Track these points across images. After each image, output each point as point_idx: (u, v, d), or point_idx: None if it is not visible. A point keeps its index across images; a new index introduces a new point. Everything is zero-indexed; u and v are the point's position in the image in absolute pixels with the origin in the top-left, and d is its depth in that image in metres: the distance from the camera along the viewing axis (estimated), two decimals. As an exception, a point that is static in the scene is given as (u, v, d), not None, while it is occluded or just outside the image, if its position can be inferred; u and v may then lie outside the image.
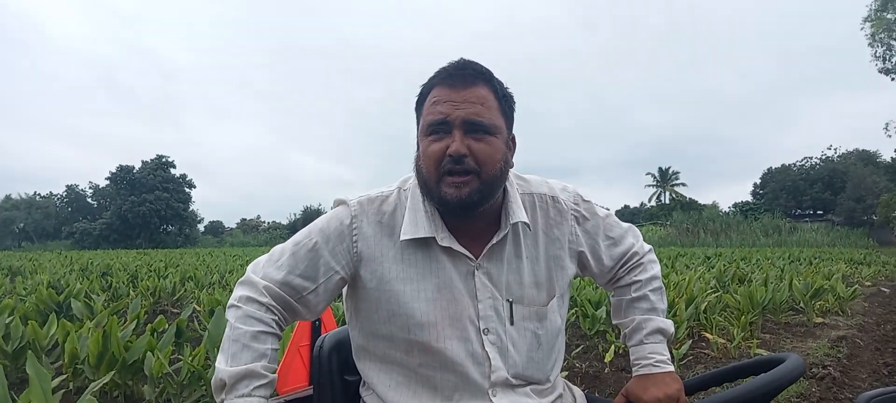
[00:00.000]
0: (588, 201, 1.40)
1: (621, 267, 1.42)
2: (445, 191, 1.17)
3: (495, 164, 1.19)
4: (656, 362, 1.32)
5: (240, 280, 1.26)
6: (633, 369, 1.36)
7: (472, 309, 1.23)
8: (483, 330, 1.23)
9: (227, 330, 1.19)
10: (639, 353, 1.36)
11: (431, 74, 1.24)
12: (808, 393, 4.02)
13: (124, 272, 12.96)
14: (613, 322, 1.49)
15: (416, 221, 1.24)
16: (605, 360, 4.83)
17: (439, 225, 1.23)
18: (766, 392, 0.98)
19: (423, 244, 1.24)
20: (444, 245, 1.23)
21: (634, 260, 1.43)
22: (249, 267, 1.27)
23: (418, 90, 1.26)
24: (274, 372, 1.18)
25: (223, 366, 1.14)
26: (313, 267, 1.24)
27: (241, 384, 1.12)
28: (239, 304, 1.21)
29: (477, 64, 1.21)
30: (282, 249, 1.27)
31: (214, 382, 1.15)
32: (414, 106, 1.28)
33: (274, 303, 1.21)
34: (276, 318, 1.21)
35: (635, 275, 1.42)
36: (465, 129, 1.16)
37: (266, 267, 1.25)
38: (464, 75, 1.19)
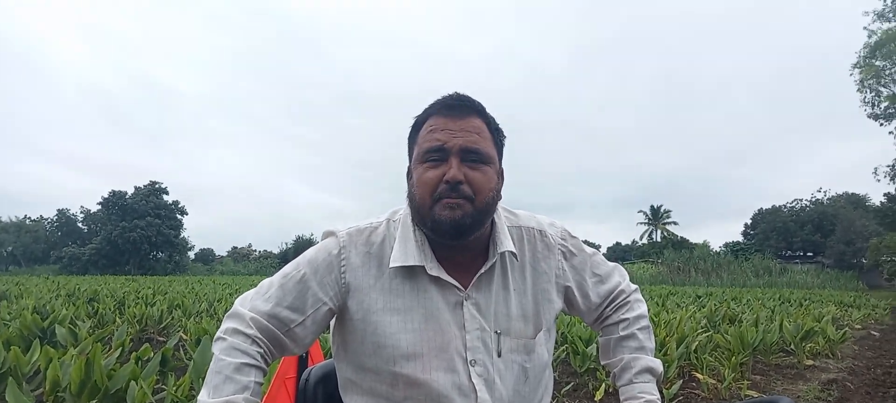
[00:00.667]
0: (575, 237, 1.42)
1: (608, 304, 1.42)
2: (440, 213, 1.18)
3: (489, 192, 1.21)
4: (647, 402, 1.31)
5: (228, 313, 1.25)
6: None
7: (459, 339, 1.23)
8: (470, 362, 1.22)
9: (211, 362, 1.18)
10: (629, 393, 1.34)
11: (426, 107, 1.26)
12: (799, 437, 3.99)
13: (111, 298, 12.79)
14: (602, 362, 1.46)
15: (406, 250, 1.24)
16: (596, 399, 4.79)
17: (429, 255, 1.24)
18: None
19: (411, 274, 1.24)
20: (432, 274, 1.23)
21: (621, 298, 1.43)
22: (237, 301, 1.27)
23: (411, 122, 1.28)
24: None
25: (205, 398, 1.13)
26: (301, 298, 1.23)
27: None
28: (225, 336, 1.20)
29: (471, 97, 1.25)
30: (270, 282, 1.27)
31: None
32: (407, 136, 1.30)
33: (260, 336, 1.20)
34: (262, 351, 1.20)
35: (623, 313, 1.42)
36: (461, 157, 1.19)
37: (253, 300, 1.25)
38: (461, 106, 1.22)
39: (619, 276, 1.45)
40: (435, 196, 1.18)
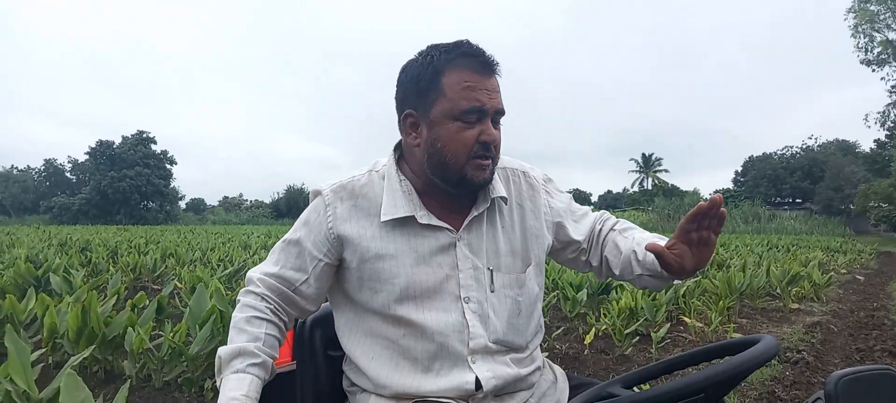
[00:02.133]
0: (552, 180, 1.49)
1: (598, 225, 1.46)
2: (473, 173, 1.22)
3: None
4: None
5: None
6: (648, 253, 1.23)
7: (453, 279, 1.27)
8: (464, 299, 1.27)
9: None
10: (656, 241, 1.25)
11: (441, 52, 1.21)
12: (782, 377, 4.11)
13: (104, 248, 12.81)
14: (616, 274, 1.39)
15: (395, 202, 1.28)
16: (585, 342, 4.89)
17: (417, 204, 1.28)
18: (740, 372, 0.99)
19: (402, 222, 1.28)
20: (423, 222, 1.27)
21: (605, 216, 1.49)
22: (249, 271, 1.36)
23: (427, 63, 1.22)
24: (269, 356, 1.23)
25: (221, 349, 1.21)
26: (301, 259, 1.31)
27: (235, 360, 1.19)
28: (239, 299, 1.31)
29: (490, 54, 1.26)
30: (275, 248, 1.36)
31: (216, 365, 1.21)
32: (415, 78, 1.23)
33: (268, 293, 1.29)
34: (271, 307, 1.29)
35: (611, 223, 1.46)
36: (493, 118, 1.24)
37: (262, 266, 1.36)
38: (490, 62, 1.23)
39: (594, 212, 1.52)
40: (470, 154, 1.22)
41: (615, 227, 1.44)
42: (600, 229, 1.45)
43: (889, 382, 0.86)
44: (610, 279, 1.48)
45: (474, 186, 1.24)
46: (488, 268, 1.30)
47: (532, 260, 1.37)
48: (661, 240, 1.25)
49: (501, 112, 1.24)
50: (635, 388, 1.18)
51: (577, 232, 1.44)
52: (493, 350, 1.28)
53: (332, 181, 1.35)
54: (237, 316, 1.27)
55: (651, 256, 1.23)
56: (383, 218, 1.26)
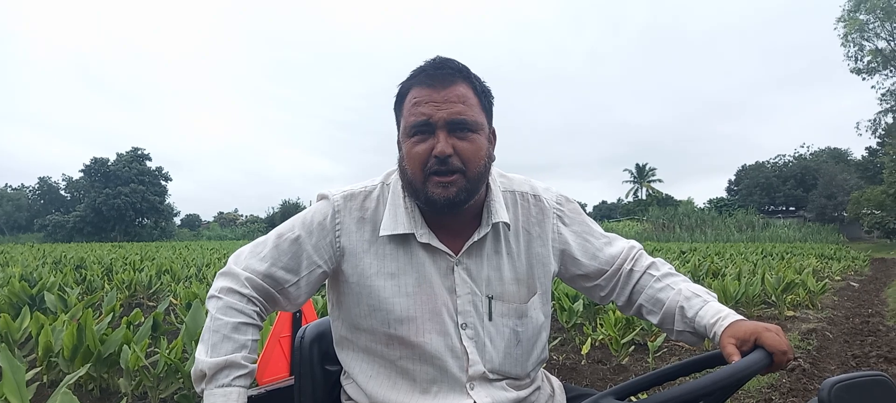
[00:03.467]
0: (571, 201, 1.41)
1: (628, 264, 1.37)
2: (432, 191, 1.17)
3: (480, 161, 1.20)
4: (730, 313, 1.20)
5: (221, 270, 1.26)
6: (715, 327, 1.18)
7: (450, 303, 1.25)
8: (461, 325, 1.25)
9: (207, 320, 1.20)
10: (711, 310, 1.21)
11: (409, 74, 1.23)
12: (779, 384, 4.11)
13: (99, 265, 12.75)
14: (653, 321, 1.33)
15: (396, 217, 1.25)
16: (582, 352, 4.89)
17: (419, 222, 1.25)
18: (737, 380, 1.01)
19: (403, 240, 1.25)
20: (422, 241, 1.24)
21: (636, 251, 1.40)
22: (231, 258, 1.28)
23: (397, 89, 1.26)
24: (254, 363, 1.20)
25: (203, 357, 1.15)
26: (296, 260, 1.25)
27: (221, 374, 1.14)
28: (220, 295, 1.22)
29: (454, 61, 1.22)
30: (264, 241, 1.28)
31: (194, 372, 1.16)
32: (393, 105, 1.27)
33: (255, 295, 1.22)
34: (258, 310, 1.23)
35: (644, 263, 1.37)
36: (448, 129, 1.16)
37: (248, 259, 1.26)
38: (443, 74, 1.18)
39: (622, 239, 1.43)
40: (426, 171, 1.17)
41: (650, 271, 1.35)
42: (631, 269, 1.36)
43: (882, 388, 0.87)
44: (613, 319, 1.42)
45: (438, 206, 1.17)
46: (487, 296, 1.27)
47: (538, 288, 1.33)
48: (719, 317, 1.18)
49: (459, 123, 1.16)
50: (632, 399, 1.18)
51: (590, 263, 1.36)
52: (490, 378, 1.26)
53: (344, 188, 1.31)
54: (221, 318, 1.18)
55: (703, 322, 1.20)
56: (382, 233, 1.24)
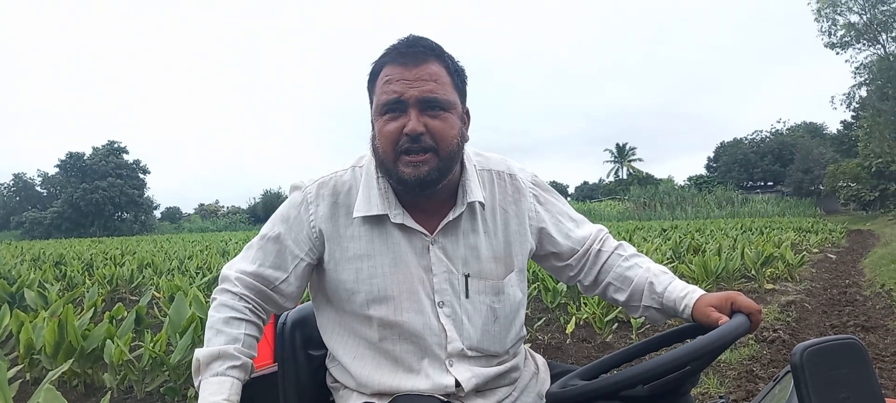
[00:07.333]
0: (544, 182, 1.44)
1: (596, 244, 1.41)
2: (403, 170, 1.17)
3: (452, 140, 1.20)
4: (697, 288, 1.27)
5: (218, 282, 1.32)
6: (685, 300, 1.24)
7: (427, 282, 1.26)
8: (438, 303, 1.26)
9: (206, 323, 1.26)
10: (679, 286, 1.28)
11: (381, 53, 1.23)
12: (760, 356, 4.19)
13: (79, 261, 12.60)
14: (619, 300, 1.38)
15: (370, 198, 1.25)
16: (567, 332, 4.94)
17: (393, 202, 1.25)
18: (724, 342, 1.03)
19: (378, 221, 1.26)
20: (397, 222, 1.25)
21: (603, 233, 1.44)
22: (224, 267, 1.32)
23: (369, 68, 1.26)
24: (248, 357, 1.22)
25: (198, 352, 1.19)
26: (281, 257, 1.28)
27: (215, 363, 1.17)
28: (215, 297, 1.28)
29: (427, 39, 1.22)
30: (252, 244, 1.32)
31: (192, 367, 1.20)
32: (365, 85, 1.28)
33: (246, 292, 1.26)
34: (250, 306, 1.26)
35: (611, 245, 1.42)
36: (420, 107, 1.17)
37: (238, 263, 1.31)
38: (415, 52, 1.18)
39: (591, 223, 1.47)
40: (397, 149, 1.17)
41: (618, 251, 1.39)
42: (599, 249, 1.40)
43: (852, 351, 0.88)
44: (596, 297, 1.43)
45: (409, 185, 1.18)
46: (464, 274, 1.28)
47: (515, 266, 1.34)
48: (688, 290, 1.25)
49: (431, 101, 1.16)
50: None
51: (564, 243, 1.39)
52: (468, 355, 1.27)
53: (314, 177, 1.32)
54: (214, 316, 1.24)
55: (672, 297, 1.26)
56: (356, 214, 1.24)
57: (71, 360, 3.51)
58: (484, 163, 1.37)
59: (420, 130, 1.15)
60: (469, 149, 1.33)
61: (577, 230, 1.42)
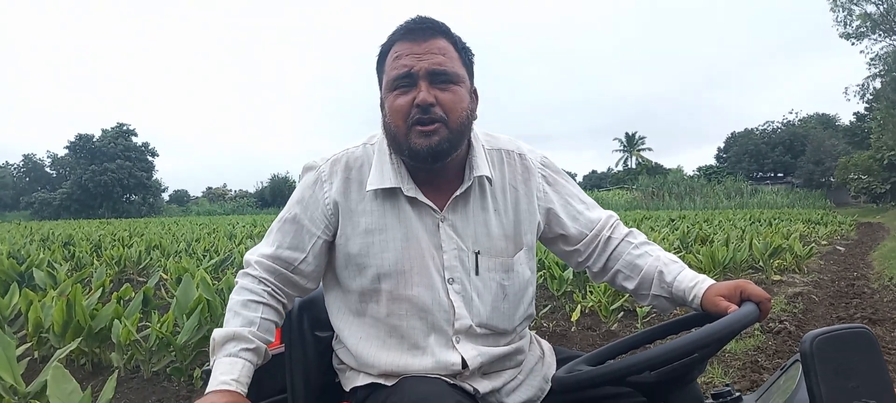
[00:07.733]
0: (554, 164, 1.44)
1: (607, 230, 1.40)
2: (415, 141, 1.19)
3: (462, 112, 1.22)
4: (706, 277, 1.27)
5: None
6: (694, 290, 1.24)
7: (437, 258, 1.26)
8: (448, 280, 1.26)
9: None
10: (689, 275, 1.28)
11: (390, 34, 1.26)
12: (765, 347, 4.18)
13: (87, 241, 12.69)
14: (629, 288, 1.38)
15: (383, 172, 1.27)
16: (572, 319, 4.94)
17: (405, 177, 1.27)
18: (733, 330, 1.02)
19: (390, 195, 1.27)
20: (409, 195, 1.26)
21: (614, 220, 1.43)
22: (246, 252, 1.35)
23: (377, 51, 1.29)
24: (264, 342, 1.24)
25: (216, 331, 1.22)
26: (298, 237, 1.30)
27: (228, 344, 1.20)
28: (237, 281, 1.31)
29: (434, 19, 1.24)
30: (271, 229, 1.35)
31: (210, 346, 1.22)
32: (375, 66, 1.30)
33: (265, 275, 1.29)
34: (269, 290, 1.28)
35: (622, 232, 1.41)
36: (430, 80, 1.19)
37: (259, 247, 1.35)
38: (423, 28, 1.22)
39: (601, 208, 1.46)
40: (409, 121, 1.19)
41: (628, 239, 1.38)
42: (610, 236, 1.39)
43: (862, 340, 0.88)
44: (602, 285, 1.44)
45: (422, 156, 1.19)
46: (474, 252, 1.29)
47: (524, 244, 1.34)
48: (697, 280, 1.25)
49: (440, 73, 1.19)
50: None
51: (572, 225, 1.39)
52: (476, 332, 1.27)
53: (326, 155, 1.34)
54: (234, 298, 1.27)
55: (682, 286, 1.26)
56: (369, 187, 1.26)
57: (79, 339, 3.54)
58: (493, 142, 1.38)
59: (430, 100, 1.18)
60: (478, 130, 1.34)
61: (586, 213, 1.41)
